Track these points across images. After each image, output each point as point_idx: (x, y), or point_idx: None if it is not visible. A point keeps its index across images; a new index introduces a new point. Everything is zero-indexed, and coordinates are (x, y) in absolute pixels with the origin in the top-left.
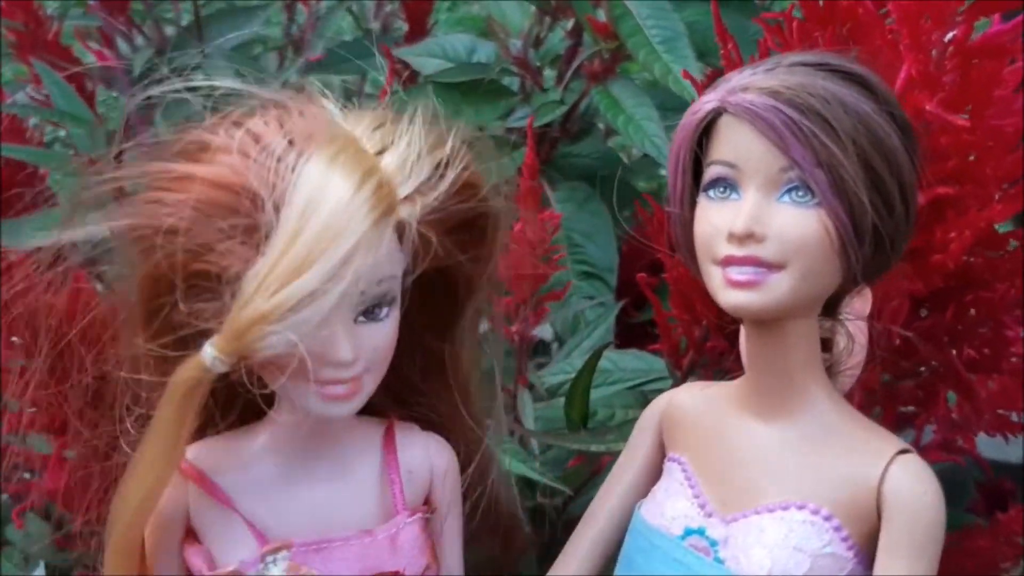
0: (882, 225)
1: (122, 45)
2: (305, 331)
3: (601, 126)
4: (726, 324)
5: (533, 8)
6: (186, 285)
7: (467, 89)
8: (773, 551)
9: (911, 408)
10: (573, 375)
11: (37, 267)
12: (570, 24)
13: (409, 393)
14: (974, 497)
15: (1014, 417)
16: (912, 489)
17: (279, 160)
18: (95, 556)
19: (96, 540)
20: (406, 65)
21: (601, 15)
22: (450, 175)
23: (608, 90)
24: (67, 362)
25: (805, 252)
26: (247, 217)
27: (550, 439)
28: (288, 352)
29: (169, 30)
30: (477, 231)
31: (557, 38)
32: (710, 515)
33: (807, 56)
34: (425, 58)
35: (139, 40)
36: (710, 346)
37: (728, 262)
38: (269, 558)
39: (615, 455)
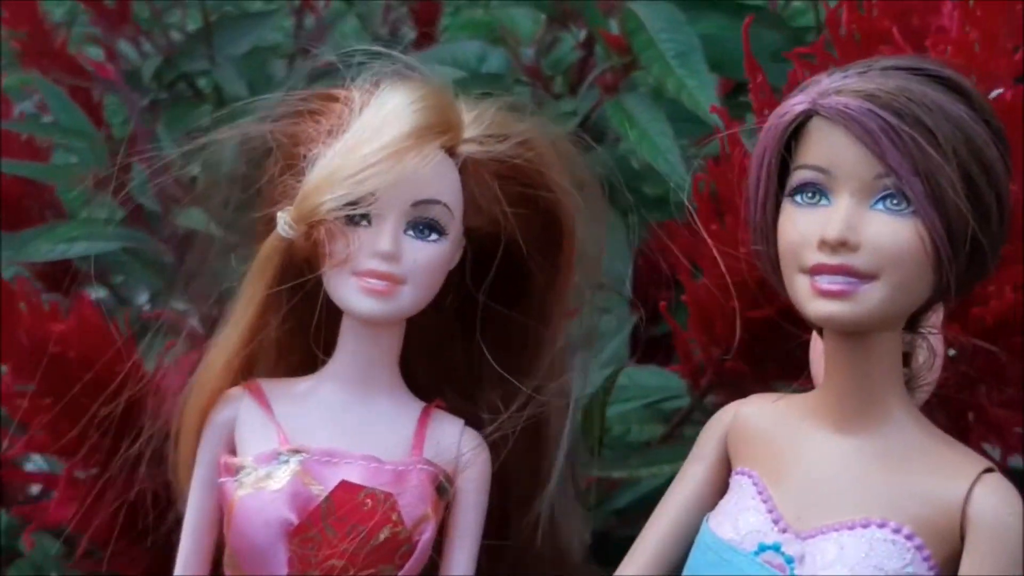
0: (980, 236)
1: (131, 52)
2: (355, 201)
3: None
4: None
5: (543, 16)
6: (284, 164)
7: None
8: (854, 569)
9: None
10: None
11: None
12: (582, 34)
13: (476, 388)
14: None
15: None
16: (998, 511)
17: (376, 85)
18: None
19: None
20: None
21: (614, 27)
22: (514, 141)
23: (621, 104)
24: (72, 386)
25: (899, 262)
26: (339, 118)
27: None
28: (338, 231)
29: (177, 36)
30: (543, 217)
31: (567, 46)
32: (784, 531)
33: (901, 60)
34: (434, 65)
35: (147, 46)
36: (729, 366)
37: (818, 270)
38: (283, 457)
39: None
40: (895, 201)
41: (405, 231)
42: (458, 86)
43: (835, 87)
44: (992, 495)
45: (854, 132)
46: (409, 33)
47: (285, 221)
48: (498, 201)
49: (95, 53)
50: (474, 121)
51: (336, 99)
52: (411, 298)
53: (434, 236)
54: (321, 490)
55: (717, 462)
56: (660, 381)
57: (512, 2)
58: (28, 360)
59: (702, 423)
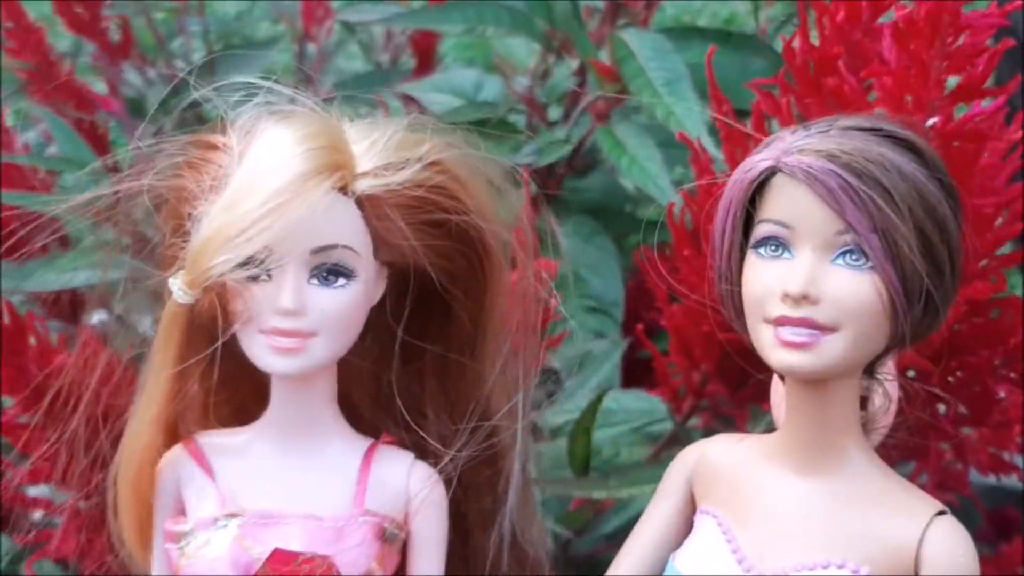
0: (932, 290)
1: (136, 80)
2: (247, 261)
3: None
4: (726, 370)
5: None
6: (174, 225)
7: (474, 127)
8: None
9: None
10: (577, 414)
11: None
12: (575, 63)
13: (416, 416)
14: (980, 525)
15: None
16: (950, 553)
17: (256, 125)
18: None
19: None
20: (413, 100)
21: (604, 56)
22: (416, 166)
23: (612, 130)
24: (74, 419)
25: (858, 315)
26: (221, 168)
27: (550, 485)
28: (238, 289)
29: (181, 65)
30: (461, 243)
31: (563, 74)
32: (749, 570)
33: (860, 120)
34: (432, 94)
35: (151, 74)
36: (709, 390)
37: (781, 322)
38: (221, 522)
39: (619, 500)
40: (854, 256)
41: (309, 280)
42: (453, 114)
43: (797, 146)
44: (945, 537)
45: (816, 190)
46: (409, 61)
47: (179, 287)
48: (403, 234)
49: (100, 85)
50: (367, 152)
51: (215, 147)
52: (326, 349)
53: (341, 281)
54: (261, 552)
55: (682, 500)
56: (646, 405)
57: (508, 31)
58: (35, 393)
59: (686, 444)
